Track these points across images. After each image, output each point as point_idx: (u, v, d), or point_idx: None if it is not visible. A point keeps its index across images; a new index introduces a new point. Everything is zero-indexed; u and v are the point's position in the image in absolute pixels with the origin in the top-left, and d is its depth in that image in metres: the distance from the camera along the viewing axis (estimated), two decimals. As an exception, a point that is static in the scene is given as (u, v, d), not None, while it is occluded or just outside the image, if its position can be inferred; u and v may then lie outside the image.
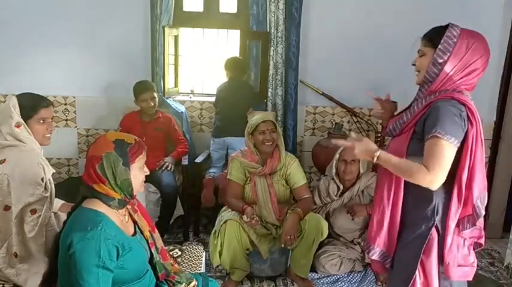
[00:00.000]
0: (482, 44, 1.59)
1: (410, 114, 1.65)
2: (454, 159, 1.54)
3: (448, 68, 1.57)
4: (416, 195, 1.65)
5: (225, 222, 2.58)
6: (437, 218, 1.63)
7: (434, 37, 1.61)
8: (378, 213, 1.73)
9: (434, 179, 1.52)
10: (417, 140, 1.62)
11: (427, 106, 1.60)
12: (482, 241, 1.72)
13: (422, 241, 1.64)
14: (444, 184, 1.55)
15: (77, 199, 1.57)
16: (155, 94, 3.26)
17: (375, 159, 1.62)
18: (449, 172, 1.54)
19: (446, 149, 1.51)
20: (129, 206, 1.68)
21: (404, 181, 1.64)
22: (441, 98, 1.58)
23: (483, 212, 1.65)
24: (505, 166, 3.43)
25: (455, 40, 1.56)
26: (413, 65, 1.70)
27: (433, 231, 1.63)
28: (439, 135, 1.51)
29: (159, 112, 3.36)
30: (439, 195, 1.62)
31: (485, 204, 1.66)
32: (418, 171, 1.53)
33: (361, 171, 2.85)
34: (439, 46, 1.58)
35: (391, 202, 1.69)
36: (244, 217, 2.56)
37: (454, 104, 1.55)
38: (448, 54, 1.56)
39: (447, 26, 1.60)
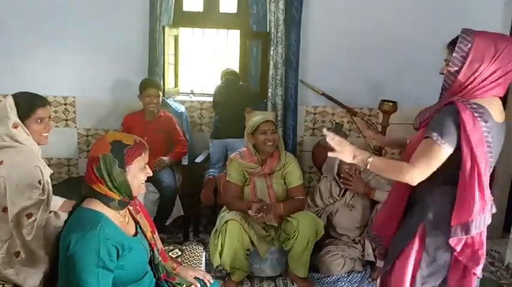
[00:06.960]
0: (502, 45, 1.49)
1: (429, 113, 1.65)
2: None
3: (461, 79, 1.53)
4: None
5: (226, 222, 2.56)
6: None
7: (452, 46, 1.55)
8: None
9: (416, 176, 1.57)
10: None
11: (440, 108, 1.59)
12: None
13: None
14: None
15: (78, 198, 1.57)
16: (160, 93, 3.28)
17: (368, 165, 1.64)
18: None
19: (437, 152, 1.54)
20: (130, 207, 1.67)
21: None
22: (447, 104, 1.56)
23: None
24: (505, 166, 3.43)
25: (466, 49, 1.51)
26: (441, 73, 1.63)
27: None
28: (433, 138, 1.53)
29: (160, 111, 3.35)
30: None
31: None
32: (407, 168, 1.58)
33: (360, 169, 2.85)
34: (452, 55, 1.53)
35: None
36: (250, 212, 2.55)
37: (453, 109, 1.53)
38: (460, 64, 1.52)
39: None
